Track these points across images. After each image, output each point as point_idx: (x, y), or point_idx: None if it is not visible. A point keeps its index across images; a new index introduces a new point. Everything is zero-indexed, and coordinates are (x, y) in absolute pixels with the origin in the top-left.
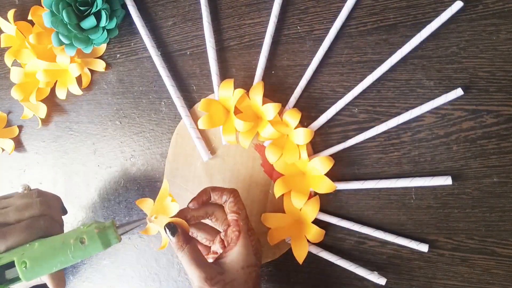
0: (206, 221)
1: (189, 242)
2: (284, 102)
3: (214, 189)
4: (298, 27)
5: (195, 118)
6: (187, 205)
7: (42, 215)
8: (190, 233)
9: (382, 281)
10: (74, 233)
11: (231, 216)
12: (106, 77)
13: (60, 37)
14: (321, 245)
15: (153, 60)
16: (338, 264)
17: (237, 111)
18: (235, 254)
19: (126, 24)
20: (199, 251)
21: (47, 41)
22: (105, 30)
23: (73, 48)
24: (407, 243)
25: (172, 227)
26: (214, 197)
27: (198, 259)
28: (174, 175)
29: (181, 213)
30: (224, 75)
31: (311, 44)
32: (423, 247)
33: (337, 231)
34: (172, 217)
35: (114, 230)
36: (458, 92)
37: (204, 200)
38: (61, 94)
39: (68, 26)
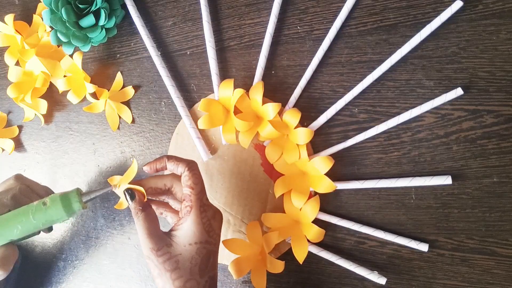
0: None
1: (145, 209)
2: (284, 102)
3: (170, 158)
4: (298, 27)
5: (195, 118)
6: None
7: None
8: (159, 213)
9: (382, 280)
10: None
11: (185, 190)
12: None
13: (59, 35)
14: (321, 245)
15: (153, 60)
16: (338, 264)
17: (237, 111)
18: (185, 229)
19: (126, 24)
20: (155, 220)
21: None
22: (104, 29)
23: (71, 46)
24: (407, 243)
25: (130, 192)
26: (170, 167)
27: (150, 228)
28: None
29: (140, 182)
30: (224, 75)
31: (311, 44)
32: (423, 247)
33: (337, 231)
34: (131, 184)
35: (77, 195)
36: (458, 91)
37: (158, 168)
38: (73, 99)
39: (67, 23)
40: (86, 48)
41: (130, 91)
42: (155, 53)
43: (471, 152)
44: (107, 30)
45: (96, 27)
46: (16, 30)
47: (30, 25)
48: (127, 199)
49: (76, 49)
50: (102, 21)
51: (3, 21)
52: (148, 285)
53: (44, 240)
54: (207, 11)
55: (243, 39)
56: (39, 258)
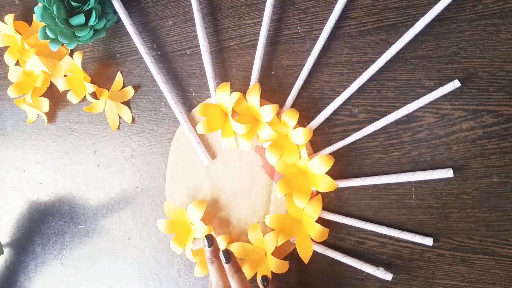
0: None
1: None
2: (284, 102)
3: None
4: (298, 27)
5: (194, 122)
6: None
7: None
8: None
9: (388, 276)
10: None
11: None
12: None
13: (46, 30)
14: (321, 244)
15: (149, 66)
16: (343, 261)
17: (235, 114)
18: None
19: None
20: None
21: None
22: (93, 30)
23: (57, 43)
24: (411, 238)
25: (210, 240)
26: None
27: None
28: (175, 180)
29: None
30: (224, 75)
31: (311, 44)
32: (428, 241)
33: (337, 232)
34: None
35: None
36: (456, 83)
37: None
38: (73, 99)
39: (56, 20)
40: (72, 46)
41: (130, 91)
42: (150, 60)
43: (471, 152)
44: (96, 31)
45: (85, 26)
46: (16, 30)
47: (30, 25)
48: (205, 244)
49: (65, 47)
50: (92, 21)
51: (3, 21)
52: (148, 285)
53: (44, 241)
54: (199, 15)
55: (243, 39)
56: (40, 258)
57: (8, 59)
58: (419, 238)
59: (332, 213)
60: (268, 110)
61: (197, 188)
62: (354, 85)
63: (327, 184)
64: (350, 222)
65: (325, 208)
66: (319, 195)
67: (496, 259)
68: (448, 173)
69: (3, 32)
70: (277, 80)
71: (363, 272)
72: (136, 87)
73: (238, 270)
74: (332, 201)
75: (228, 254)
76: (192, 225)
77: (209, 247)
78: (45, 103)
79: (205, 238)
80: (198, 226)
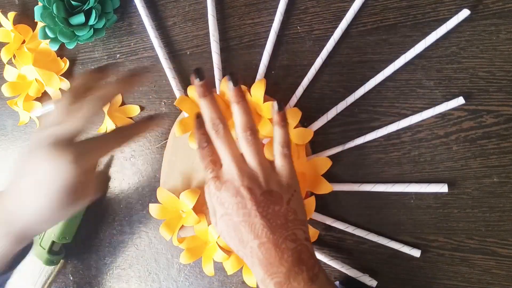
0: None
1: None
2: (284, 102)
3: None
4: (298, 27)
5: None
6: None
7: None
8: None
9: (373, 283)
10: None
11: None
12: None
13: (46, 30)
14: (321, 244)
15: (160, 61)
16: (330, 264)
17: None
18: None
19: (126, 24)
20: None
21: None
22: (92, 29)
23: (57, 42)
24: (399, 248)
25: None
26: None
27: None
28: (172, 168)
29: None
30: (223, 75)
31: (311, 44)
32: (415, 252)
33: (337, 231)
34: None
35: None
36: (460, 100)
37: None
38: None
39: (56, 19)
40: (72, 46)
41: (135, 109)
42: (164, 56)
43: (471, 152)
44: (96, 30)
45: (85, 26)
46: (19, 33)
47: (33, 30)
48: (195, 79)
49: (62, 46)
50: (92, 21)
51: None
52: (148, 285)
53: None
54: (212, 4)
55: (243, 39)
56: None
57: (4, 56)
58: (407, 249)
59: (325, 216)
60: (271, 106)
61: (192, 176)
62: (360, 91)
63: (322, 187)
64: (341, 226)
65: (324, 207)
66: (313, 196)
67: (496, 259)
68: (442, 188)
69: (4, 28)
70: (277, 80)
71: (361, 273)
72: (142, 107)
73: (243, 98)
74: (331, 200)
75: (234, 76)
76: (183, 213)
77: (200, 81)
78: (38, 107)
79: (194, 72)
80: (189, 214)
